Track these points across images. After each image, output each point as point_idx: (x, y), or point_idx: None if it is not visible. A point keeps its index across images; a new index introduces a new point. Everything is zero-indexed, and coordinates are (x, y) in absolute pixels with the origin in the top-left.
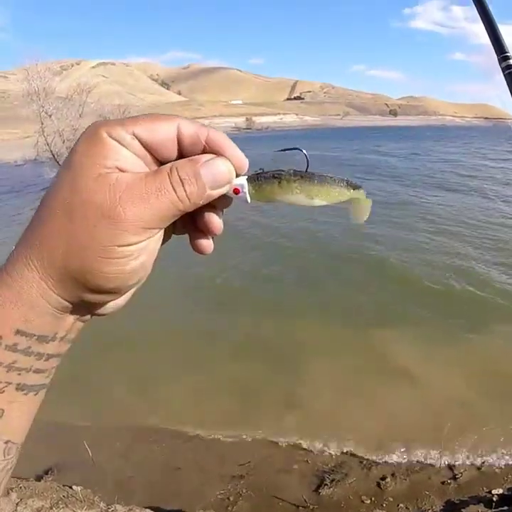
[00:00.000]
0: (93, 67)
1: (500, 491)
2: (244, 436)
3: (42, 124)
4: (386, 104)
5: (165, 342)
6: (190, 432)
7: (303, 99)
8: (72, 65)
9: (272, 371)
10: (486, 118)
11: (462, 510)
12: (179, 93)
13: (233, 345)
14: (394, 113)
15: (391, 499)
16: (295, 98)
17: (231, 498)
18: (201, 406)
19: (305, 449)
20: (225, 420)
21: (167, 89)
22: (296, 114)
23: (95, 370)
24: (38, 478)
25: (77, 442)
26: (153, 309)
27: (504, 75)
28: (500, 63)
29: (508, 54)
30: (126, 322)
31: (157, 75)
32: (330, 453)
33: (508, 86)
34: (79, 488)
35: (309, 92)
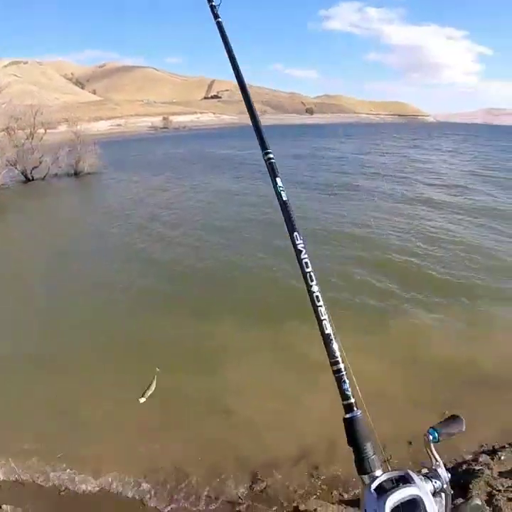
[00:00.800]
0: (5, 66)
1: None
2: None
3: None
4: (302, 102)
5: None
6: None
7: (220, 98)
8: None
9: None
10: (401, 115)
11: None
12: (94, 92)
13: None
14: (310, 111)
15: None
16: (212, 97)
17: None
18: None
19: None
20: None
21: (82, 88)
22: (214, 113)
23: None
24: None
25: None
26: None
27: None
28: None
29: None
30: None
31: (71, 73)
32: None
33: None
34: (8, 507)
35: (227, 90)
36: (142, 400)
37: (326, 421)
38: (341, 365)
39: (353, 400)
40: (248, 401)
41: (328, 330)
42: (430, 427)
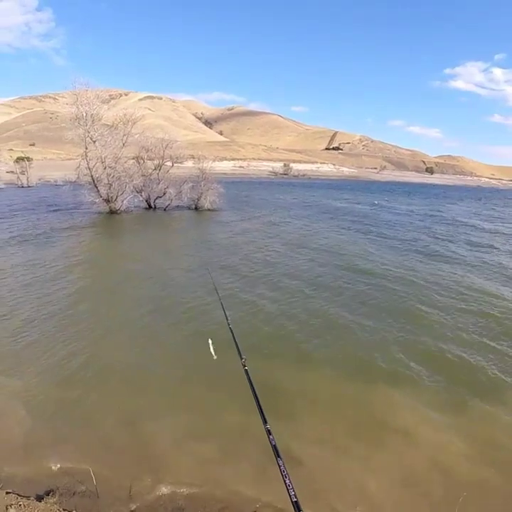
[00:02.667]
0: (140, 99)
1: None
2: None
3: (86, 148)
4: (423, 161)
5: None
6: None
7: (341, 150)
8: (121, 95)
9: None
10: None
11: None
12: (221, 133)
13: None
14: (430, 170)
15: None
16: (333, 148)
17: None
18: (187, 451)
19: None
20: (204, 469)
21: (210, 128)
22: (333, 164)
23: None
24: (39, 499)
25: (84, 470)
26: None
27: None
28: None
29: None
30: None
31: (201, 113)
32: None
33: None
34: None
35: (348, 143)
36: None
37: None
38: None
39: None
40: (316, 453)
41: None
42: None
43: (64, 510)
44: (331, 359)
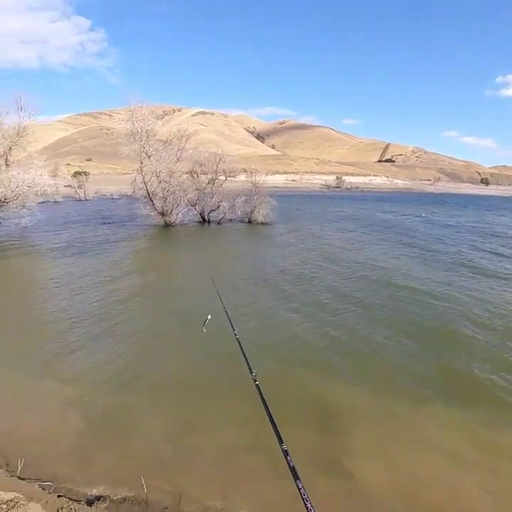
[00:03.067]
0: (193, 115)
1: None
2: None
3: (141, 163)
4: (478, 171)
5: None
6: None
7: (394, 162)
8: (174, 111)
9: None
10: None
11: None
12: (273, 147)
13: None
14: (485, 182)
15: None
16: (386, 160)
17: None
18: (235, 465)
19: None
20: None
21: (262, 142)
22: (386, 177)
23: None
24: (89, 503)
25: (134, 477)
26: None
27: None
28: None
29: None
30: None
31: (253, 127)
32: None
33: None
34: None
35: (401, 155)
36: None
37: None
38: None
39: None
40: (366, 468)
41: None
42: None
43: None
44: (381, 376)
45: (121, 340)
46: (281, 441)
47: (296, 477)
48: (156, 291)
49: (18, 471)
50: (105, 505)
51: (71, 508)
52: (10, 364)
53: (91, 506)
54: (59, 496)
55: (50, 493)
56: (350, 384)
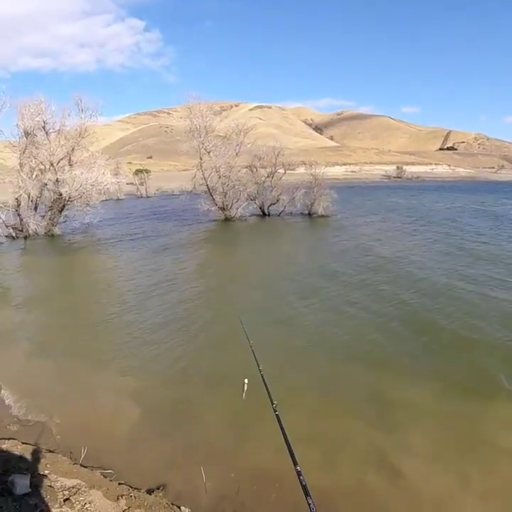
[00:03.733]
0: (251, 109)
1: None
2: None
3: (201, 159)
4: None
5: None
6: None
7: (456, 150)
8: (232, 107)
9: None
10: None
11: None
12: (331, 138)
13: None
14: None
15: None
16: (448, 148)
17: None
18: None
19: None
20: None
21: (320, 134)
22: (448, 165)
23: None
24: (149, 492)
25: (193, 467)
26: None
27: None
28: None
29: None
30: None
31: (311, 119)
32: None
33: None
34: (187, 509)
35: (463, 142)
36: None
37: None
38: None
39: None
40: (419, 467)
41: None
42: None
43: (173, 504)
44: (439, 373)
45: (183, 337)
46: (295, 464)
47: (306, 494)
48: (217, 287)
49: (81, 460)
50: (164, 493)
51: (131, 496)
52: (75, 356)
53: (150, 494)
54: (120, 484)
55: (111, 480)
56: (403, 378)
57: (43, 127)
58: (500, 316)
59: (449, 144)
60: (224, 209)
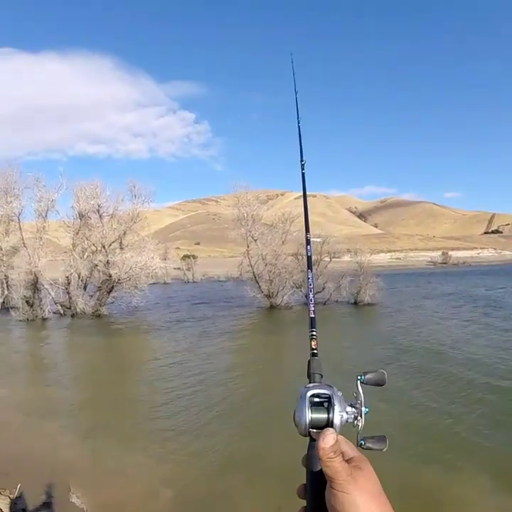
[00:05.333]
0: (296, 198)
1: None
2: None
3: (248, 246)
4: None
5: None
6: None
7: (501, 232)
8: (278, 196)
9: None
10: None
11: None
12: (376, 226)
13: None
14: None
15: None
16: (493, 232)
17: None
18: None
19: None
20: None
21: (364, 221)
22: (494, 249)
23: None
24: None
25: None
26: None
27: None
28: None
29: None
30: None
31: (355, 207)
32: None
33: None
34: None
35: (507, 224)
36: None
37: None
38: None
39: None
40: None
41: None
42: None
43: None
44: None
45: (220, 424)
46: None
47: None
48: (258, 374)
49: None
50: None
51: None
52: (113, 437)
53: None
54: None
55: None
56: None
57: (97, 210)
58: None
59: (494, 227)
60: (269, 296)
